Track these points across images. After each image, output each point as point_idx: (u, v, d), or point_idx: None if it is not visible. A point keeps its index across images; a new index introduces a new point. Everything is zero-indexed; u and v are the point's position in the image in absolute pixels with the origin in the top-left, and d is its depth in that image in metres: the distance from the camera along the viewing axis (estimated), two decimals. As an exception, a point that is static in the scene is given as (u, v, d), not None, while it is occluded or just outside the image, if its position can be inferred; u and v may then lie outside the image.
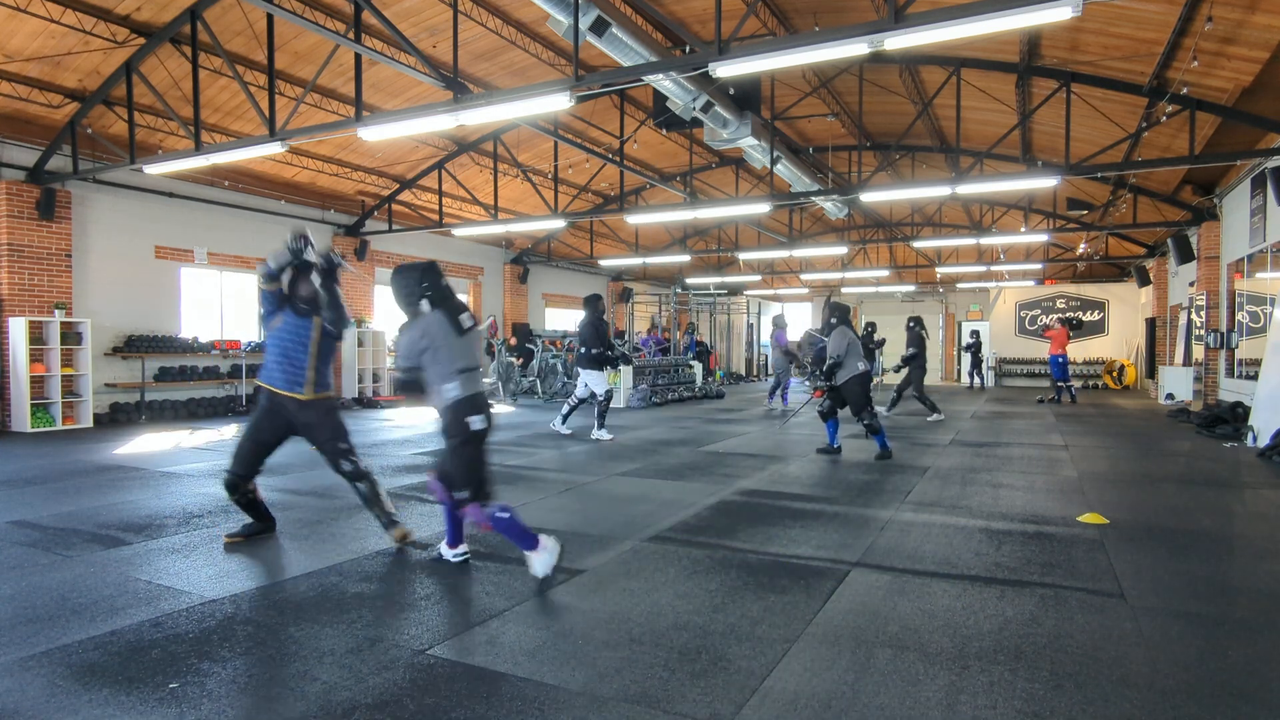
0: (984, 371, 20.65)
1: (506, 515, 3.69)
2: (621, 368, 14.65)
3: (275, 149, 8.64)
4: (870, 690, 2.58)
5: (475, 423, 3.73)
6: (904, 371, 12.83)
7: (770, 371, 13.46)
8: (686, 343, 21.44)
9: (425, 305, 3.82)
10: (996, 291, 24.25)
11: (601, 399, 9.34)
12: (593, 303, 9.48)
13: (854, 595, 3.55)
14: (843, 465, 7.38)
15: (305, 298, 4.48)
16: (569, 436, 9.44)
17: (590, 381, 9.39)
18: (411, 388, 3.81)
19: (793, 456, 7.89)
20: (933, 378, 24.23)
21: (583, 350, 9.33)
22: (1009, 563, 4.08)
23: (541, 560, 3.65)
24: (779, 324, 14.58)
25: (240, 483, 4.46)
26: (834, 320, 7.94)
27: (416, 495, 5.80)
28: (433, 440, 9.08)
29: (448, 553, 4.05)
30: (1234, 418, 9.86)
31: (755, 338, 28.78)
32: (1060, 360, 15.86)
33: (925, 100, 11.71)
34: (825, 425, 8.11)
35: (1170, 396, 14.85)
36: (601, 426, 9.27)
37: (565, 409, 9.67)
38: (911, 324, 12.61)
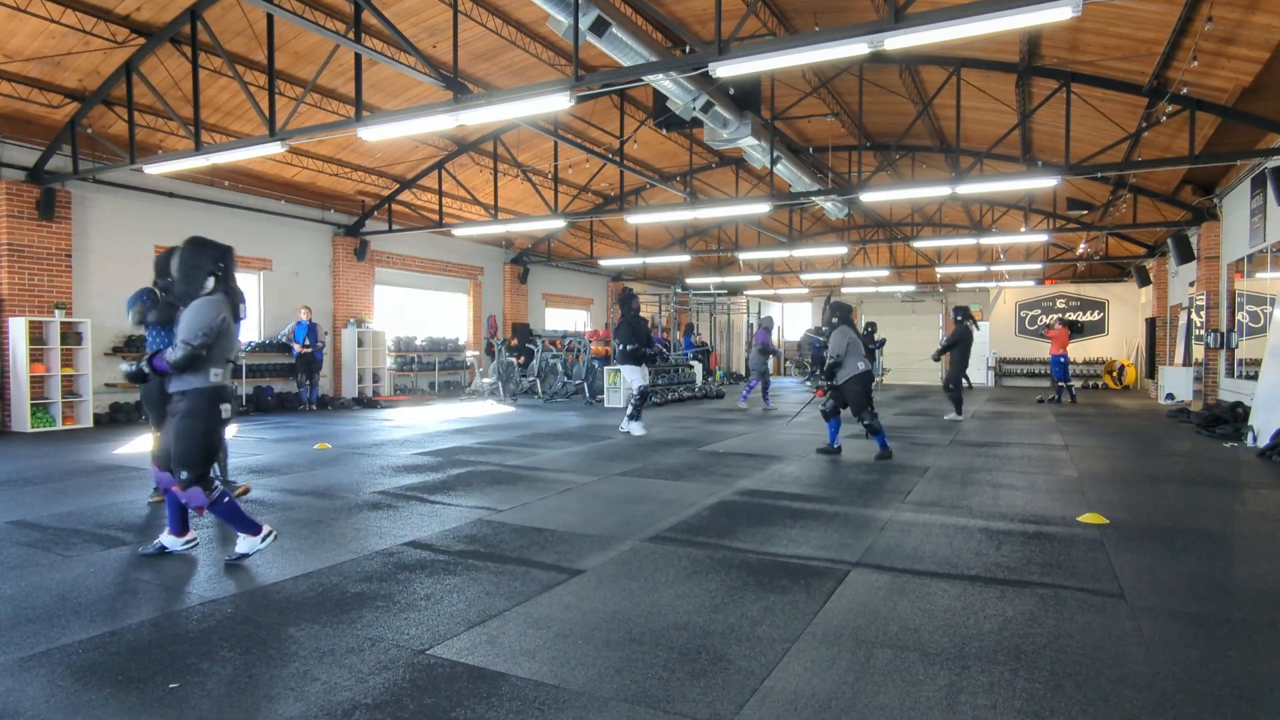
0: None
1: (226, 500, 3.90)
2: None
3: (275, 149, 8.64)
4: (870, 690, 2.58)
5: (225, 411, 3.97)
6: (942, 362, 12.66)
7: (750, 371, 13.47)
8: (685, 343, 21.45)
9: (211, 283, 3.94)
10: (996, 291, 24.27)
11: (636, 395, 9.57)
12: (626, 301, 9.78)
13: (854, 595, 3.55)
14: (843, 465, 7.39)
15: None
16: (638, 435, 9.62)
17: (627, 376, 9.75)
18: (194, 365, 3.82)
19: (793, 456, 7.89)
20: (933, 377, 24.28)
21: (621, 348, 9.64)
22: (1009, 563, 4.08)
23: (250, 543, 3.99)
24: (765, 325, 14.54)
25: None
26: (835, 320, 7.95)
27: (417, 496, 5.80)
28: (433, 440, 9.08)
29: (174, 542, 4.10)
30: (1234, 418, 9.86)
31: (753, 337, 28.83)
32: (1061, 360, 15.87)
33: (925, 100, 11.71)
34: (827, 425, 8.12)
35: (1170, 396, 14.86)
36: (634, 419, 9.46)
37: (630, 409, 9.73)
38: (958, 317, 12.23)
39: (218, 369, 3.94)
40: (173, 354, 3.79)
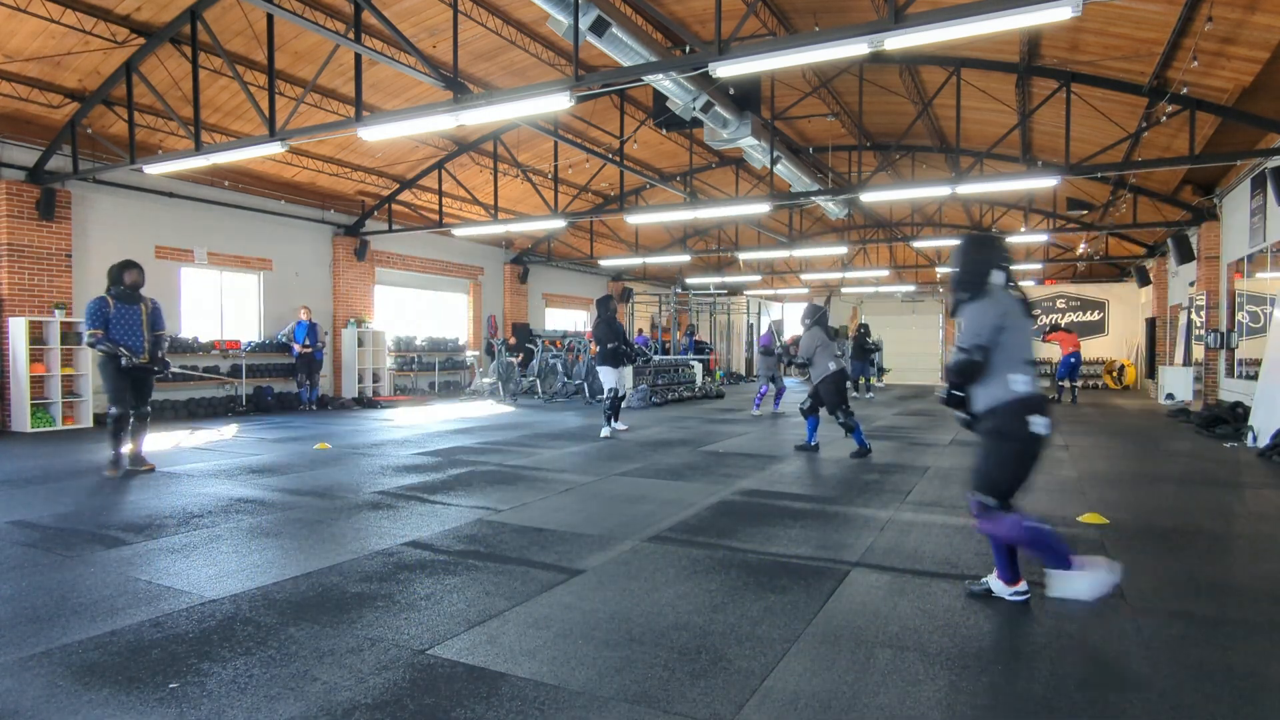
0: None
1: (1040, 530, 3.17)
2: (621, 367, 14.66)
3: (275, 149, 8.64)
4: (870, 690, 2.58)
5: (1037, 426, 3.20)
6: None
7: (756, 374, 13.27)
8: (685, 344, 21.44)
9: (999, 278, 3.32)
10: (996, 291, 24.22)
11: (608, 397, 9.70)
12: (603, 303, 9.90)
13: (854, 595, 3.55)
14: (843, 465, 7.38)
15: (130, 285, 6.56)
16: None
17: (603, 377, 9.87)
18: (972, 371, 3.29)
19: (792, 456, 7.90)
20: (933, 377, 24.28)
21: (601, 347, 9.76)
22: (1009, 563, 4.08)
23: (1081, 583, 3.12)
24: (774, 327, 14.40)
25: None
26: (808, 321, 8.24)
27: (417, 496, 5.80)
28: (433, 440, 9.08)
29: (1002, 589, 3.43)
30: (1234, 418, 9.86)
31: (755, 338, 28.85)
32: (1071, 360, 15.86)
33: (925, 100, 11.71)
34: (806, 422, 8.27)
35: (1170, 396, 14.85)
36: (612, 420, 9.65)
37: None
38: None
39: (1018, 375, 3.25)
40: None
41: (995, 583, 3.47)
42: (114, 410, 6.51)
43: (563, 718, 2.38)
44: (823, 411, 8.16)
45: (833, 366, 7.86)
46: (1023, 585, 3.40)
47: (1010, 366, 3.24)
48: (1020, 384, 3.22)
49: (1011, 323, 3.26)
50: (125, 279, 6.59)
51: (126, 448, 6.73)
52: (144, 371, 6.64)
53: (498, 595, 3.53)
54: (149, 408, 6.82)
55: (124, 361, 6.42)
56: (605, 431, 9.42)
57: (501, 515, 5.14)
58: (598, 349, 9.73)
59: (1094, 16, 8.36)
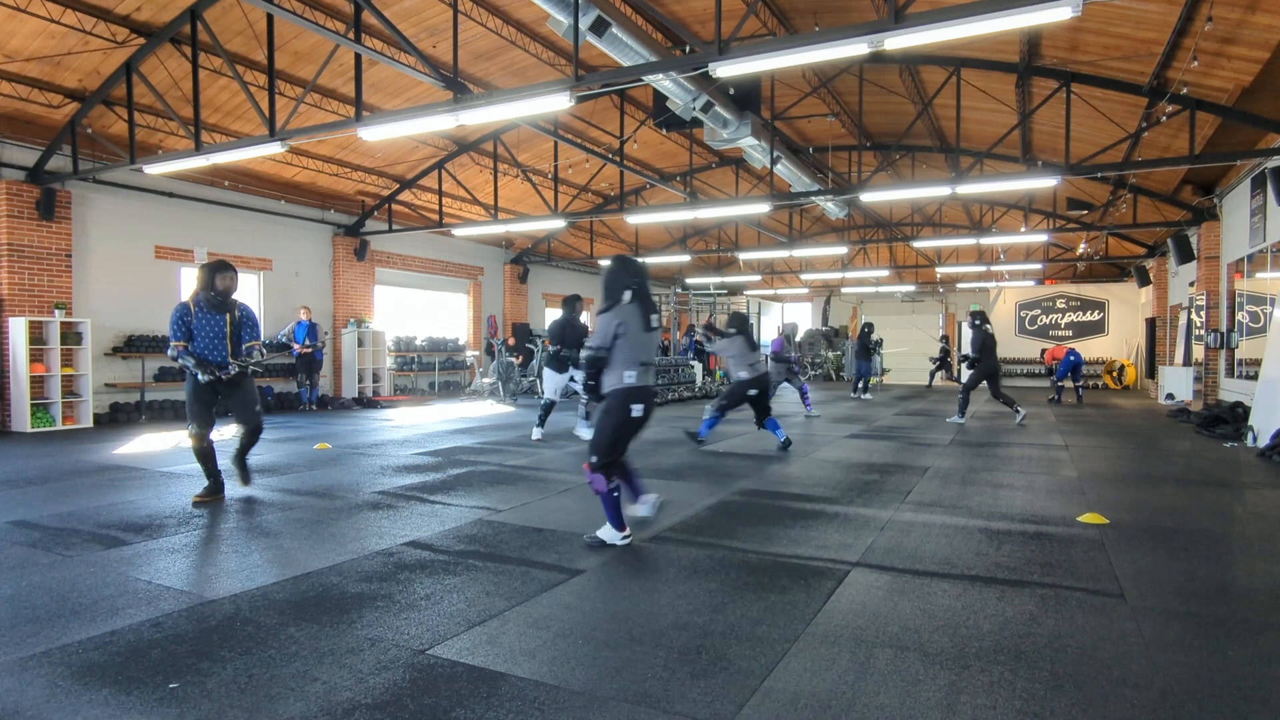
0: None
1: (616, 494, 4.26)
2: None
3: (275, 149, 8.64)
4: (870, 690, 2.58)
5: (635, 410, 4.22)
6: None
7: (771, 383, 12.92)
8: (685, 344, 21.42)
9: (628, 295, 4.27)
10: (996, 291, 24.27)
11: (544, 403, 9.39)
12: (569, 302, 9.21)
13: (854, 595, 3.55)
14: (843, 465, 7.39)
15: (222, 291, 5.59)
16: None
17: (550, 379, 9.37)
18: (597, 364, 4.26)
19: (792, 456, 7.89)
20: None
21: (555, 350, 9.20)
22: (1009, 563, 4.08)
23: (608, 534, 4.37)
24: (787, 331, 14.24)
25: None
26: (732, 330, 8.58)
27: (417, 496, 5.80)
28: (433, 440, 9.08)
29: (613, 536, 4.34)
30: (1234, 418, 9.86)
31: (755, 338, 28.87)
32: (1071, 359, 15.87)
33: (925, 100, 11.71)
34: (707, 420, 8.70)
35: (1170, 396, 14.85)
36: (539, 425, 9.32)
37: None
38: (977, 322, 11.23)
39: (630, 370, 4.23)
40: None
41: (607, 532, 4.34)
42: (189, 429, 5.72)
43: (563, 718, 2.38)
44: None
45: (744, 375, 8.22)
46: (627, 531, 4.35)
47: (626, 364, 4.19)
48: (630, 377, 4.19)
49: (626, 330, 4.17)
50: (218, 284, 5.66)
51: (217, 459, 5.84)
52: (233, 381, 5.70)
53: (498, 595, 3.53)
54: (257, 421, 5.84)
55: (201, 377, 5.55)
56: (536, 434, 9.20)
57: (501, 515, 5.15)
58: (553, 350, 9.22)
59: (1094, 16, 8.36)
